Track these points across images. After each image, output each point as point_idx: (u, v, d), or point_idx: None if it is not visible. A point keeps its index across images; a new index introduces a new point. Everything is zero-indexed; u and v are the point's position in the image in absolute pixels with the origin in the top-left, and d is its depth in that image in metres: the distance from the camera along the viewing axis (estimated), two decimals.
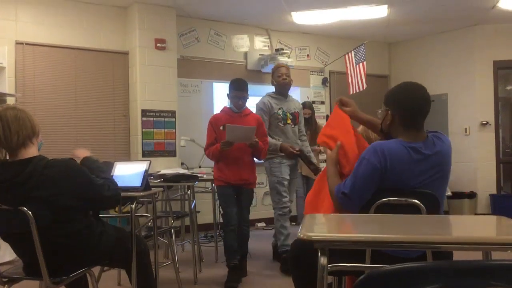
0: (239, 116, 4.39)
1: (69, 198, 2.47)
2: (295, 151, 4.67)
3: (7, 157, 2.54)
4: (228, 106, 4.49)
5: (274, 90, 4.96)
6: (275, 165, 4.74)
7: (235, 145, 4.17)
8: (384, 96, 2.51)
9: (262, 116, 4.67)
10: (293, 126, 4.87)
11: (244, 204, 4.44)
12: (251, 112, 4.53)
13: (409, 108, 2.38)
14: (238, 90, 4.37)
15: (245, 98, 4.40)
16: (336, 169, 2.56)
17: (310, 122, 6.28)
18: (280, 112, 4.79)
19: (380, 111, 2.54)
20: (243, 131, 4.16)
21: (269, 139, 4.62)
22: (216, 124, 4.37)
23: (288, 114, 4.83)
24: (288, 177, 4.77)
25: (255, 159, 4.50)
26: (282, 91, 4.88)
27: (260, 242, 5.81)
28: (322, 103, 8.36)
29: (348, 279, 2.73)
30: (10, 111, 2.52)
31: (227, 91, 4.45)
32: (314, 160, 5.05)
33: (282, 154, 4.70)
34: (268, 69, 7.18)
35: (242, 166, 4.35)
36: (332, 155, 2.60)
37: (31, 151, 2.53)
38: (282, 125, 4.79)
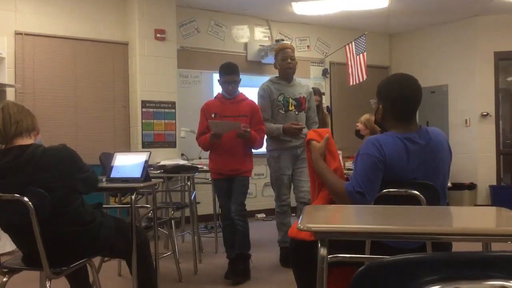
0: (231, 103, 4.17)
1: (69, 181, 2.51)
2: (298, 126, 4.33)
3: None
4: (221, 93, 4.30)
5: (277, 74, 4.60)
6: (274, 159, 4.46)
7: (226, 135, 3.98)
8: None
9: (262, 103, 4.41)
10: (297, 113, 4.48)
11: (235, 193, 4.09)
12: (246, 98, 4.25)
13: (395, 100, 2.36)
14: (227, 74, 4.13)
15: (235, 83, 4.14)
16: (325, 164, 2.52)
17: (318, 110, 5.79)
18: (280, 98, 4.44)
19: (373, 101, 2.53)
20: (227, 125, 3.96)
21: (270, 125, 4.36)
22: (208, 111, 4.19)
23: (291, 100, 4.46)
24: (289, 172, 4.45)
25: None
26: (285, 75, 4.52)
27: (260, 233, 5.82)
28: (322, 94, 8.33)
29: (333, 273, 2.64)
30: (13, 106, 2.60)
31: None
32: None
33: (285, 146, 4.41)
34: (269, 60, 7.16)
35: (234, 156, 4.09)
36: (321, 148, 2.56)
37: (27, 141, 2.54)
38: (283, 112, 4.44)
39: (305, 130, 4.58)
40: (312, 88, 5.12)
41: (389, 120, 2.41)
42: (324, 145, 2.57)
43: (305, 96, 4.57)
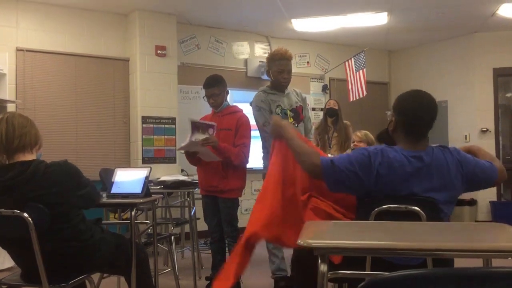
0: (217, 116, 4.06)
1: (70, 197, 2.51)
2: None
3: (7, 162, 2.56)
4: None
5: (269, 82, 4.27)
6: None
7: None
8: None
9: (264, 117, 4.04)
10: (296, 125, 4.16)
11: (223, 216, 4.01)
12: (236, 111, 4.09)
13: (407, 115, 2.39)
14: (205, 88, 4.03)
15: (215, 96, 4.00)
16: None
17: (338, 118, 5.39)
18: (278, 110, 4.12)
19: (388, 113, 2.57)
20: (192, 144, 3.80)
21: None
22: None
23: (289, 112, 4.13)
24: None
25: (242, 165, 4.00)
26: (278, 87, 4.18)
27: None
28: (322, 110, 8.35)
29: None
30: (19, 118, 2.60)
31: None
32: None
33: None
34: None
35: (212, 172, 3.96)
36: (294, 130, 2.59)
37: (29, 157, 2.54)
38: None
39: None
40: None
41: (399, 134, 2.44)
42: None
43: (301, 104, 4.31)
